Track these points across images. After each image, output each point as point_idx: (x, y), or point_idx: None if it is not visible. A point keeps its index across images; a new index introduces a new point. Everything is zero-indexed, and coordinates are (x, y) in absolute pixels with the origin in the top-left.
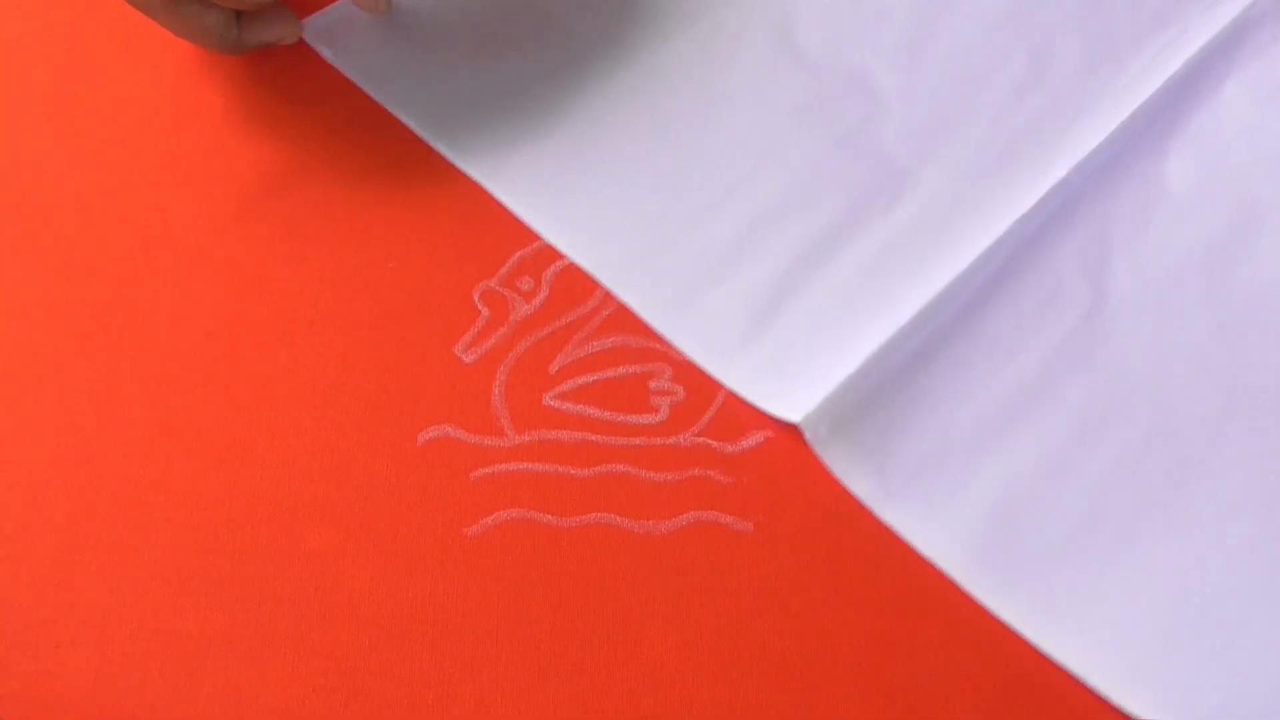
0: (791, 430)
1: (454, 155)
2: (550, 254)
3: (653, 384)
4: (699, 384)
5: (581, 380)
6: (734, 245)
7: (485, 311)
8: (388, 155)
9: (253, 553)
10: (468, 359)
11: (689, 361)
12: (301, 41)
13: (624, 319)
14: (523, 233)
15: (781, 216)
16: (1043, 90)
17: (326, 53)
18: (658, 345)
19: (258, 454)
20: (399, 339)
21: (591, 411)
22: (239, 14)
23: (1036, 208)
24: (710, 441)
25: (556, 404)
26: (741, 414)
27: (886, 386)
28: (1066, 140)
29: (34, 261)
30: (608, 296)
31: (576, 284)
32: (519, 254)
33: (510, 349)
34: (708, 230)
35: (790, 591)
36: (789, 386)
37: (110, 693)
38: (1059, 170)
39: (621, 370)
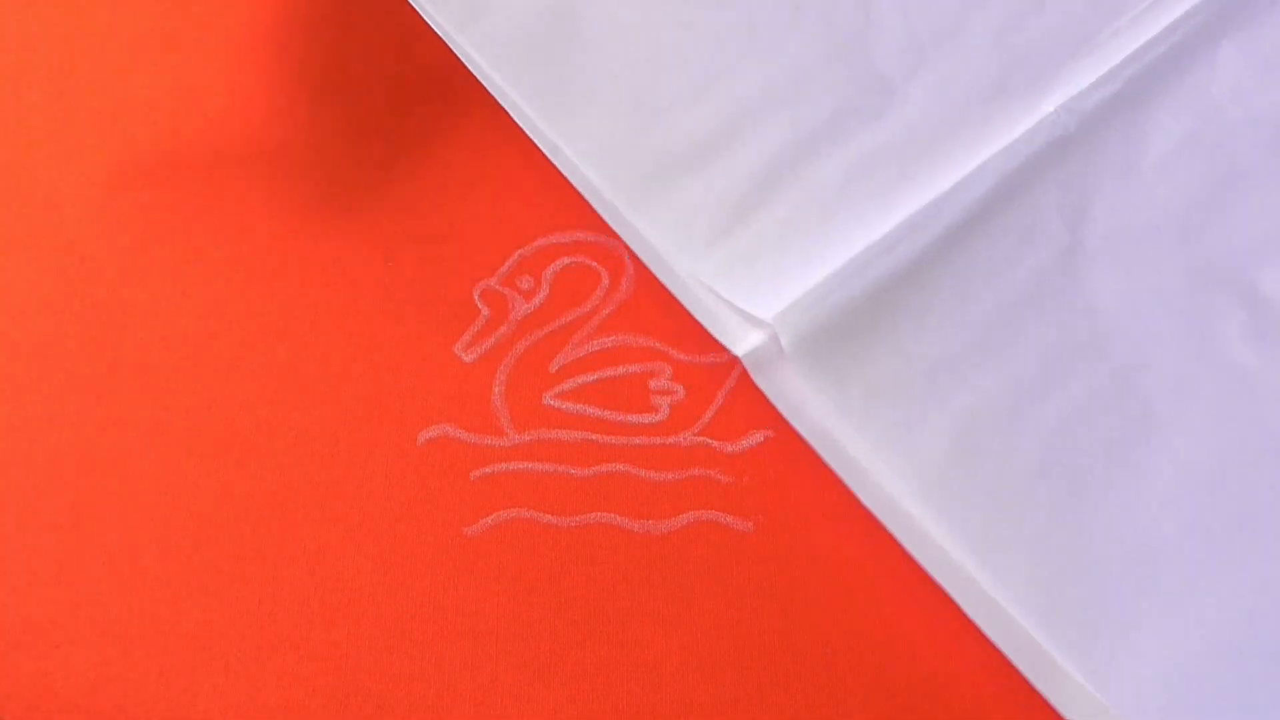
0: (792, 430)
1: (426, 2)
2: (550, 252)
3: (653, 383)
4: (699, 384)
5: (581, 379)
6: (712, 137)
7: (485, 310)
8: (387, 154)
9: (253, 553)
10: (468, 358)
11: (689, 361)
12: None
13: (624, 318)
14: (522, 231)
15: (763, 114)
16: (1040, 22)
17: None
18: (658, 344)
19: (258, 454)
20: (399, 339)
21: (591, 411)
22: None
23: (1022, 140)
24: (710, 441)
25: (556, 403)
26: (741, 414)
27: (856, 301)
28: (1058, 77)
29: (34, 261)
30: (608, 294)
31: (577, 282)
32: (519, 252)
33: (510, 348)
34: (688, 117)
35: (790, 591)
36: (759, 286)
37: (110, 693)
38: (1047, 106)
39: (621, 369)
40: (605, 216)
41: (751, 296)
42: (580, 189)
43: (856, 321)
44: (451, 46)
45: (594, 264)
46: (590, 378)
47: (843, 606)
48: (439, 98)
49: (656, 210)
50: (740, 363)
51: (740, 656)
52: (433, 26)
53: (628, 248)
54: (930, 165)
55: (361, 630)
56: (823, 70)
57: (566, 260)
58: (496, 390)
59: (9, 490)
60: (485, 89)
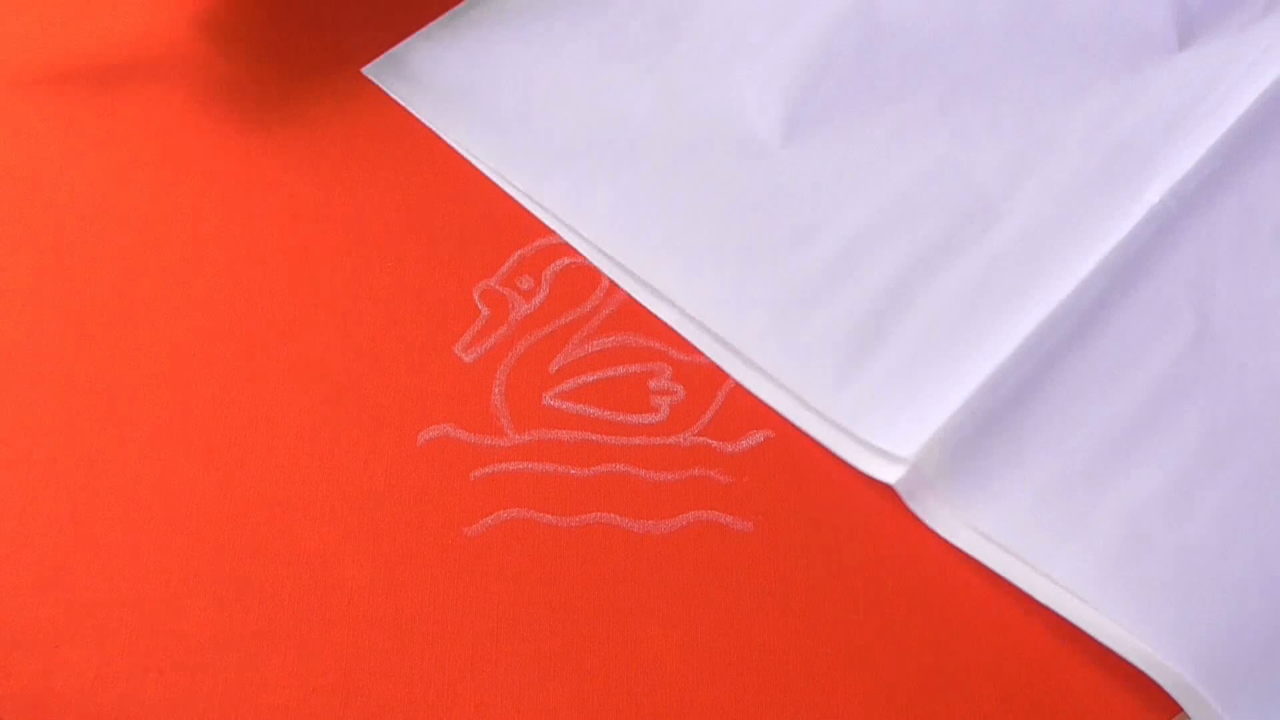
0: (791, 430)
1: (532, 189)
2: (550, 252)
3: (653, 383)
4: (699, 384)
5: (581, 380)
6: (826, 273)
7: (485, 311)
8: (388, 155)
9: (253, 553)
10: (468, 358)
11: (689, 361)
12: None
13: (624, 318)
14: (522, 231)
15: (874, 244)
16: (1132, 109)
17: (397, 91)
18: (658, 344)
19: (258, 454)
20: (399, 339)
21: (591, 411)
22: None
23: (1134, 233)
24: (710, 441)
25: (556, 403)
26: (741, 414)
27: (997, 420)
28: (1159, 160)
29: (34, 261)
30: (608, 295)
31: (577, 283)
32: (519, 253)
33: (510, 348)
34: (800, 256)
35: (790, 591)
36: (895, 421)
37: (110, 693)
38: (1153, 194)
39: (621, 369)
40: (722, 364)
41: (890, 433)
42: (691, 339)
43: (998, 444)
44: (550, 220)
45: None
46: (590, 378)
47: (843, 606)
48: None
49: (781, 351)
50: None
51: (740, 656)
52: (540, 216)
53: None
54: (1045, 274)
55: (361, 630)
56: (925, 194)
57: (566, 260)
58: (496, 390)
59: (9, 490)
60: None
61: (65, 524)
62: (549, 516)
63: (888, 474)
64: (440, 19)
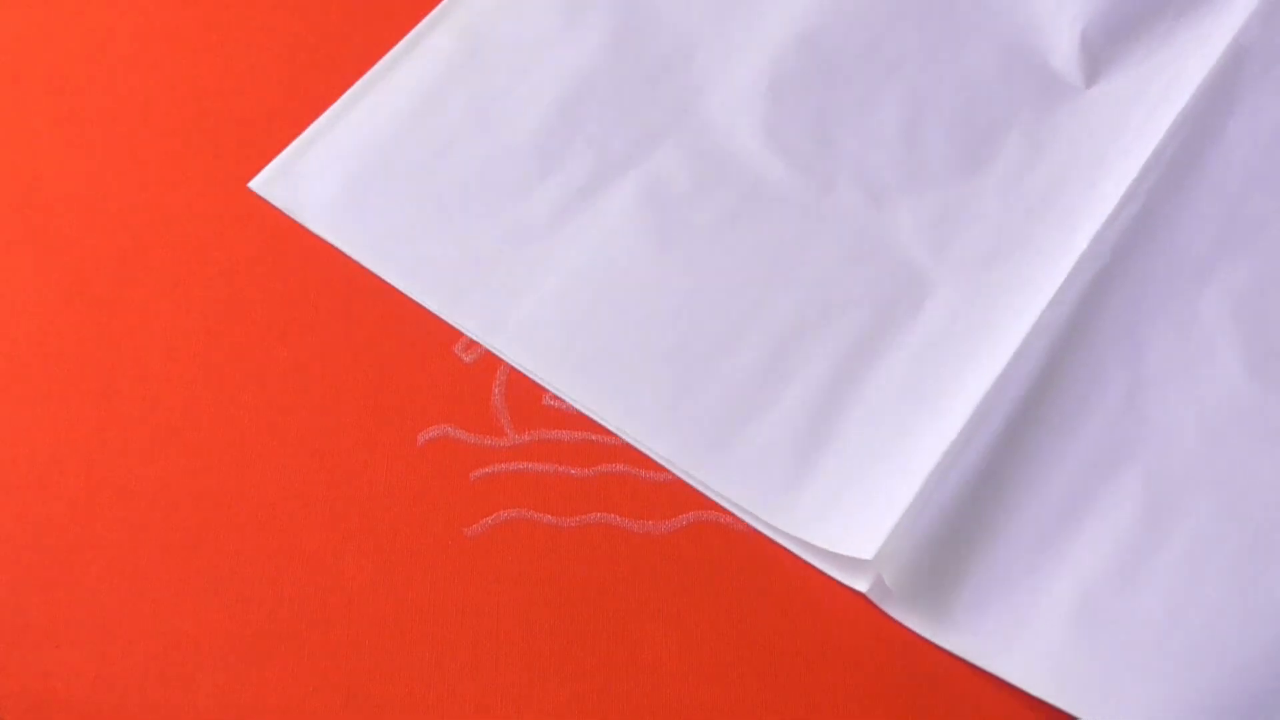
0: None
1: (446, 311)
2: None
3: None
4: None
5: None
6: (758, 379)
7: None
8: None
9: (253, 553)
10: (467, 359)
11: None
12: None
13: None
14: None
15: (804, 341)
16: (1046, 159)
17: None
18: None
19: (258, 454)
20: (399, 339)
21: None
22: None
23: (1065, 287)
24: None
25: (556, 404)
26: None
27: (946, 514)
28: (1080, 211)
29: (34, 261)
30: None
31: None
32: None
33: None
34: (729, 363)
35: (789, 592)
36: (851, 528)
37: (110, 693)
38: (1080, 241)
39: None
40: (687, 480)
41: (847, 537)
42: (656, 459)
43: (949, 538)
44: (488, 347)
45: None
46: None
47: (842, 606)
48: None
49: (725, 470)
50: None
51: (740, 656)
52: (463, 332)
53: None
54: (984, 342)
55: (361, 630)
56: (848, 274)
57: None
58: (496, 391)
59: (9, 490)
60: None
61: (65, 524)
62: (549, 516)
63: (859, 584)
64: (319, 120)
